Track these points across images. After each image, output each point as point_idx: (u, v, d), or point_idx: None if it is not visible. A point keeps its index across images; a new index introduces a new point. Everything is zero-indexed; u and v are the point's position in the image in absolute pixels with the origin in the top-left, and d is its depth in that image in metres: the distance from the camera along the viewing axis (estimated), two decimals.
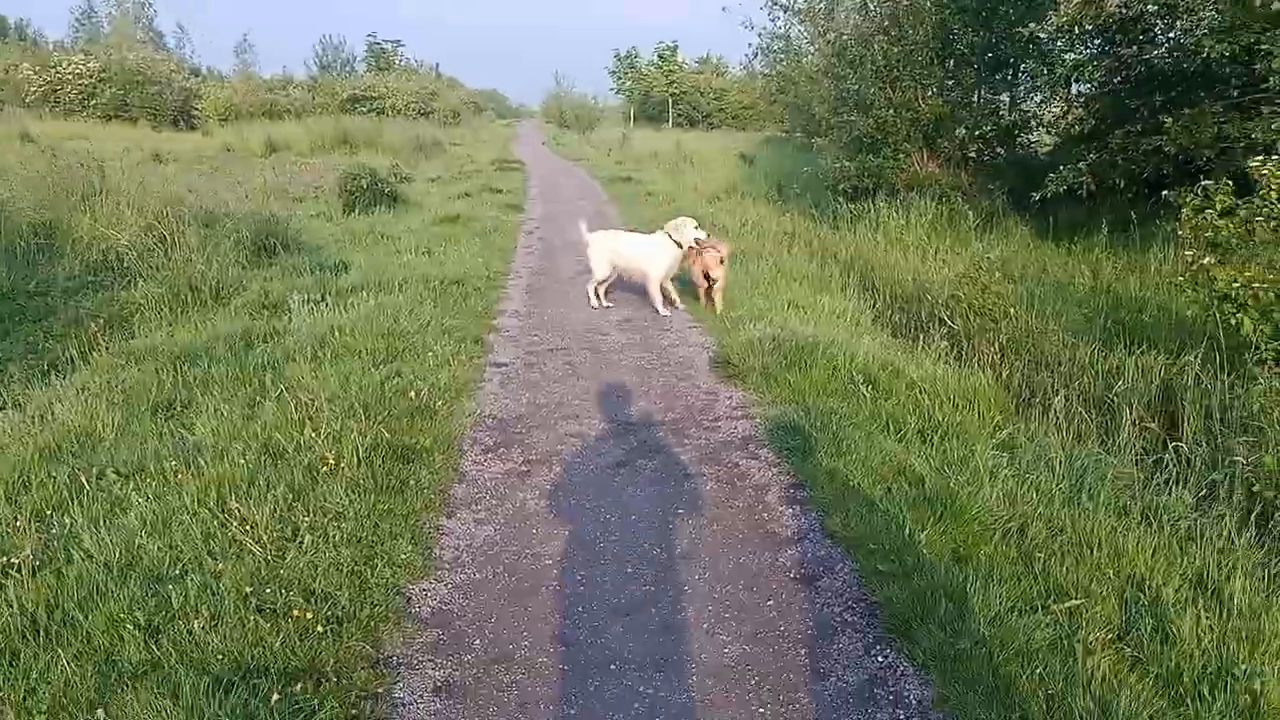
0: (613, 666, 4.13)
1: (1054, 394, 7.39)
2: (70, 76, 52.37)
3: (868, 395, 7.17)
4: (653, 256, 10.53)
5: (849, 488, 5.65)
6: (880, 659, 4.15)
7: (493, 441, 6.68)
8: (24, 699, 3.69)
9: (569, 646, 4.28)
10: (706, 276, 10.19)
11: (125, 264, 11.74)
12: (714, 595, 4.70)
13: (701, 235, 10.31)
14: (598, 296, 11.02)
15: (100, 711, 3.33)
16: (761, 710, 3.84)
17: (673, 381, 8.00)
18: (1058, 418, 6.95)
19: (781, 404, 7.23)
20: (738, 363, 8.19)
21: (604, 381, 8.03)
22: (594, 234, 11.03)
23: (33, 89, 51.51)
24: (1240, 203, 7.91)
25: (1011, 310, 9.19)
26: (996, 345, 8.77)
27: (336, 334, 8.68)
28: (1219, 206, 7.95)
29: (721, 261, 10.09)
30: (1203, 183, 8.26)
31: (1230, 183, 8.10)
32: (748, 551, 5.12)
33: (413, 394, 7.20)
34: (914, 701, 3.86)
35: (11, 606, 4.26)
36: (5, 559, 4.64)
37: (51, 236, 12.60)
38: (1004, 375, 8.18)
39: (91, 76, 52.58)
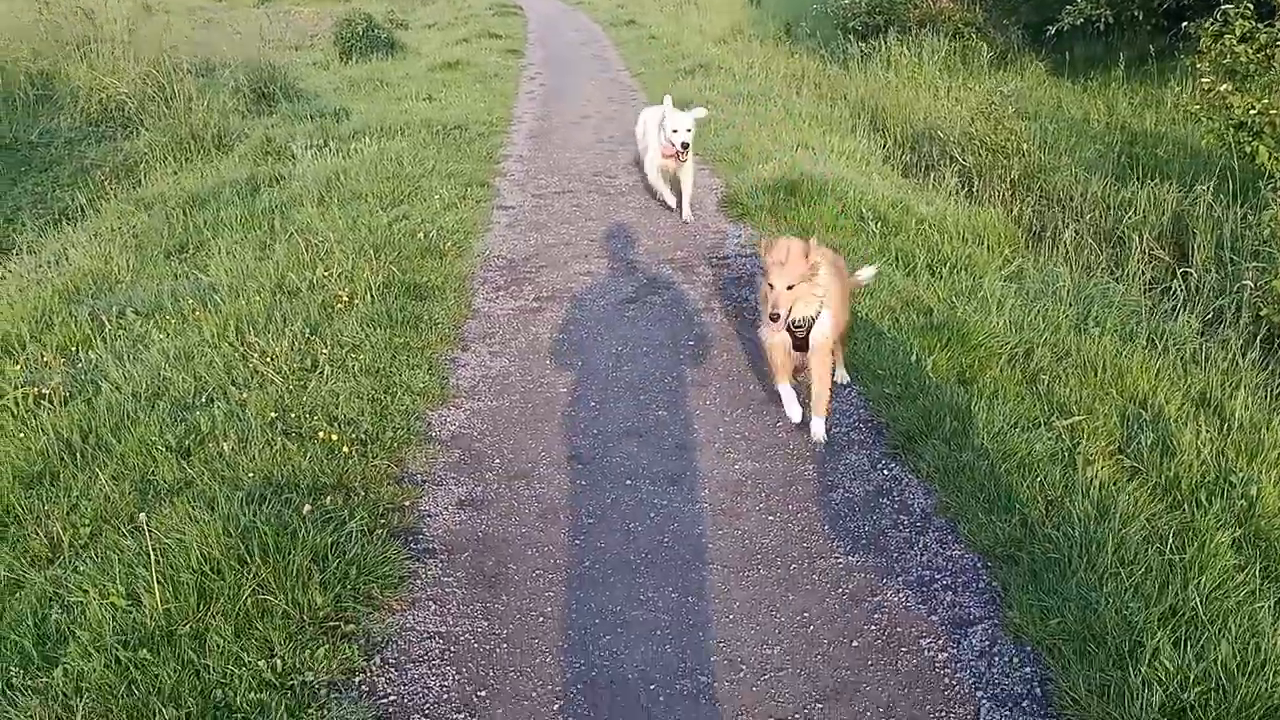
0: (628, 481, 4.29)
1: (1064, 228, 7.37)
2: None
3: (877, 231, 7.16)
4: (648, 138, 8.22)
5: (857, 318, 5.70)
6: (886, 472, 4.30)
7: (503, 280, 6.74)
8: (68, 514, 3.87)
9: (585, 464, 4.43)
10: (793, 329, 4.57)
11: (126, 114, 11.57)
12: (725, 419, 4.83)
13: (689, 122, 7.63)
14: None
15: (142, 515, 3.49)
16: (771, 518, 4.01)
17: (681, 222, 7.98)
18: (1067, 250, 6.96)
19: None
20: (746, 202, 8.15)
21: (613, 222, 8.02)
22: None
23: None
24: (1260, 26, 7.70)
25: (1024, 146, 9.06)
26: (1008, 181, 8.70)
27: (341, 178, 8.63)
28: (1238, 32, 7.74)
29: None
30: (1222, 6, 8.01)
31: (1250, 6, 7.85)
32: (757, 379, 5.23)
33: (421, 236, 7.21)
34: (918, 509, 4.02)
35: (48, 432, 4.41)
36: (36, 389, 4.77)
37: (50, 87, 12.41)
38: (1014, 211, 8.14)
39: None
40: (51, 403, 4.70)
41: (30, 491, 4.05)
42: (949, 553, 3.74)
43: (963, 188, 8.71)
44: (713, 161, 9.65)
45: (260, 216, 7.69)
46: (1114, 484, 3.96)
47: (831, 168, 8.73)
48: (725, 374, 5.29)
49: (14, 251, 7.35)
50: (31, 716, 2.83)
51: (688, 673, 3.19)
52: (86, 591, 3.35)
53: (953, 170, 9.00)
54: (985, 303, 5.75)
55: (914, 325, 5.54)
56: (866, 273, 5.50)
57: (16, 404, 4.68)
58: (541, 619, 3.46)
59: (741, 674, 3.18)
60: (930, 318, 5.62)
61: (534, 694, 3.12)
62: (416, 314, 5.87)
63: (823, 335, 4.43)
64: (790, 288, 4.20)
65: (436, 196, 8.32)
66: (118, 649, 3.08)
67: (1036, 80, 13.48)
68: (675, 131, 7.57)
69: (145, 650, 3.08)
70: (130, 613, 3.24)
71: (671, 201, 8.27)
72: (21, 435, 4.44)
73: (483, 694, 3.11)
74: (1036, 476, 4.00)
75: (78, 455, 4.28)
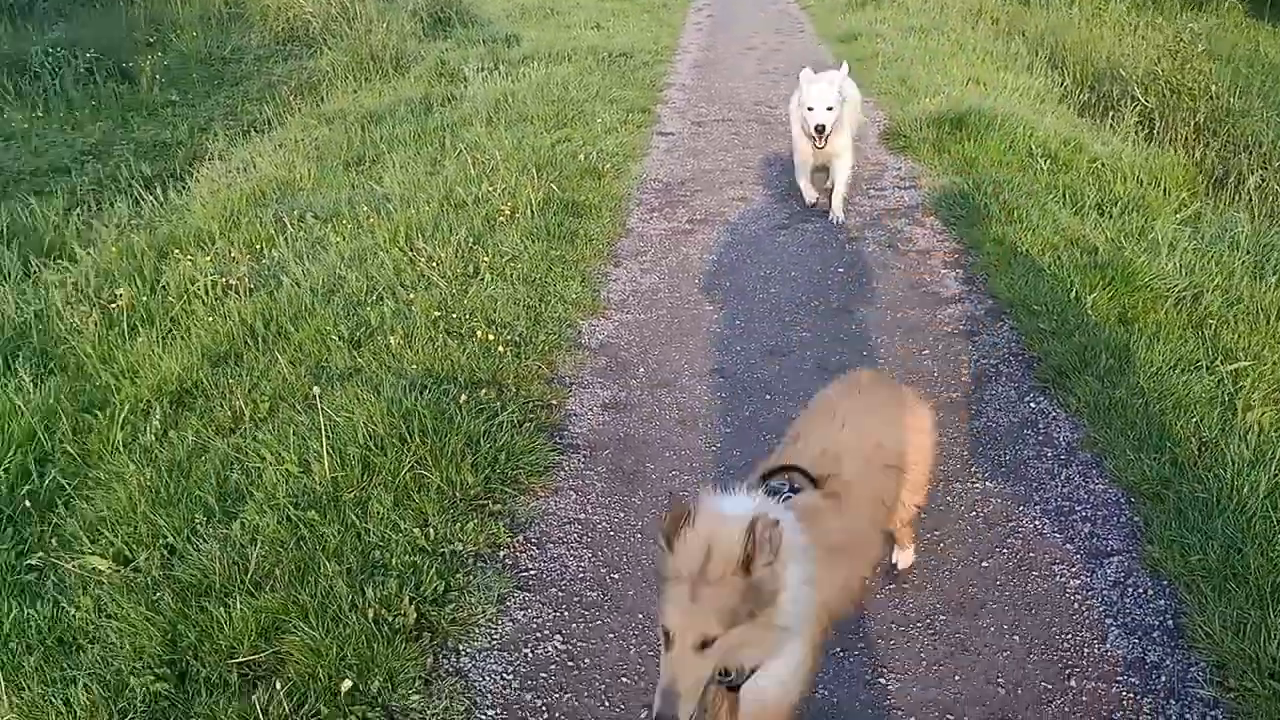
0: (766, 396, 4.37)
1: (1249, 174, 6.94)
2: None
3: (1045, 168, 6.90)
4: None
5: (1017, 253, 5.57)
6: (1033, 405, 4.23)
7: (658, 202, 6.84)
8: (249, 391, 4.23)
9: (726, 378, 4.53)
10: None
11: (310, 34, 12.16)
12: (868, 343, 4.83)
13: (829, 95, 5.84)
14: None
15: (315, 389, 3.80)
16: None
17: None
18: (1250, 198, 6.57)
19: (952, 175, 7.05)
20: (909, 134, 7.97)
21: (770, 151, 7.98)
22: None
23: None
24: None
25: (1213, 88, 8.50)
26: (1192, 125, 8.22)
27: (509, 101, 8.89)
28: None
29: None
30: None
31: None
32: (906, 308, 5.19)
33: (581, 157, 7.38)
34: (1062, 443, 3.95)
35: (233, 319, 4.81)
36: (224, 280, 5.19)
37: (241, 5, 13.13)
38: (1196, 155, 7.69)
39: None
40: (238, 293, 5.10)
41: (216, 369, 4.44)
42: (1091, 486, 3.68)
43: (1142, 129, 8.27)
44: (877, 94, 9.43)
45: (432, 134, 8.03)
46: (1274, 430, 3.79)
47: (1002, 103, 8.42)
48: (871, 303, 5.27)
49: (207, 158, 7.90)
50: (213, 560, 3.16)
51: None
52: (264, 458, 3.68)
53: (1133, 111, 8.52)
54: (1155, 245, 5.50)
55: (1076, 263, 5.36)
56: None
57: (206, 292, 5.11)
58: None
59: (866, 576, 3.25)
60: (1095, 256, 5.42)
61: None
62: (573, 230, 6.05)
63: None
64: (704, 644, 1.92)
65: (599, 121, 8.47)
66: (289, 509, 3.39)
67: (1234, 21, 12.54)
68: (810, 109, 5.88)
69: (313, 512, 3.38)
70: (301, 479, 3.55)
71: (810, 196, 6.48)
72: (210, 320, 4.85)
73: (615, 576, 3.28)
74: (1192, 418, 3.86)
75: (259, 340, 4.65)
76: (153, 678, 2.73)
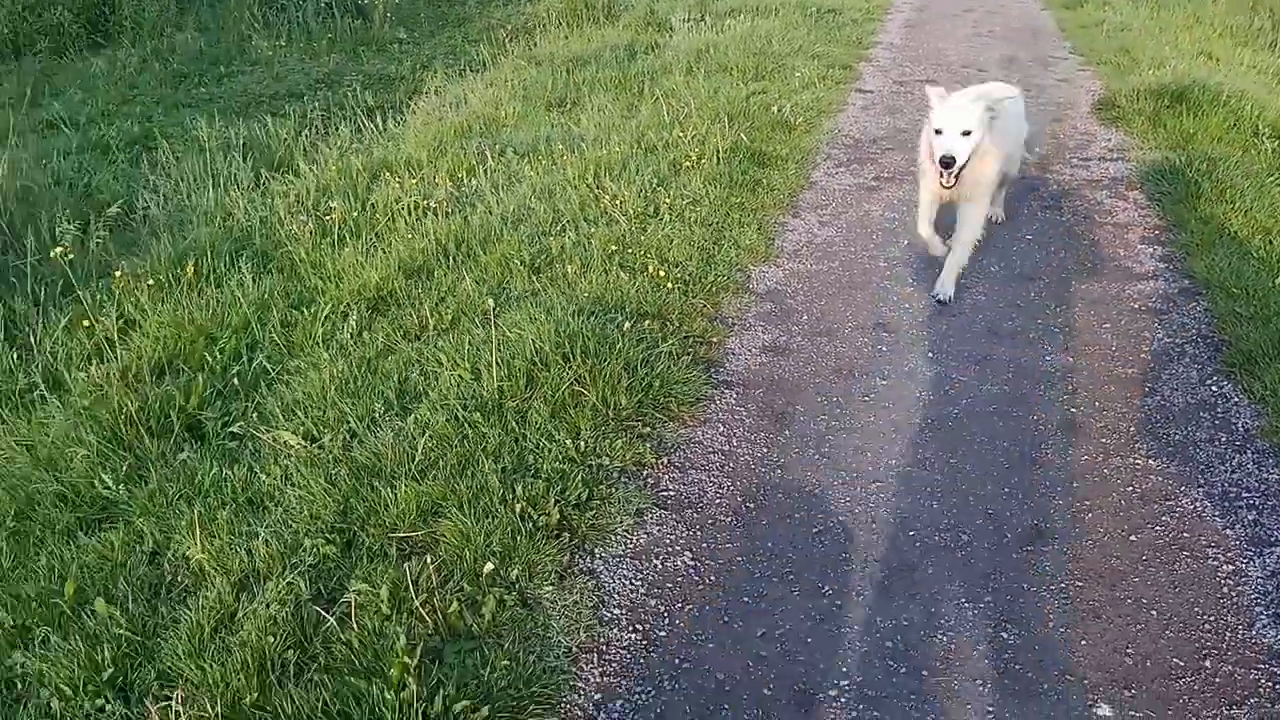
0: (930, 355, 4.34)
1: None
2: None
3: (1271, 149, 6.41)
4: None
5: (1224, 234, 5.24)
6: (1214, 388, 4.03)
7: (846, 158, 6.80)
8: (435, 303, 4.55)
9: (889, 333, 4.52)
10: None
11: None
12: (1046, 312, 4.69)
13: (966, 118, 4.37)
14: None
15: (489, 301, 4.07)
16: (1074, 410, 3.91)
17: (1048, 120, 7.55)
18: None
19: (1165, 150, 6.65)
20: (1124, 105, 7.55)
21: None
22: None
23: None
24: None
25: None
26: None
27: (711, 52, 8.98)
28: None
29: None
30: None
31: None
32: (1093, 281, 5.00)
33: (775, 110, 7.40)
34: (1240, 429, 3.75)
35: (429, 237, 5.16)
36: (426, 202, 5.57)
37: None
38: None
39: None
40: (436, 215, 5.46)
41: (410, 281, 4.79)
42: (1265, 475, 3.49)
43: None
44: (1095, 64, 8.94)
45: (632, 80, 8.22)
46: None
47: (1233, 79, 7.82)
48: (1056, 273, 5.10)
49: (425, 92, 8.40)
50: (386, 446, 3.46)
51: (949, 527, 3.29)
52: (441, 364, 3.98)
53: None
54: None
55: None
56: None
57: (409, 212, 5.49)
58: (818, 458, 3.66)
59: (1005, 539, 3.23)
60: None
61: (798, 516, 3.36)
62: (756, 179, 6.11)
63: None
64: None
65: (797, 75, 8.44)
66: (458, 409, 3.66)
67: None
68: (939, 132, 4.42)
69: (478, 414, 3.64)
70: (471, 385, 3.82)
71: (937, 248, 4.92)
72: (409, 237, 5.22)
73: (751, 506, 3.39)
74: None
75: (450, 259, 4.98)
76: (324, 540, 3.05)
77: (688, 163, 6.21)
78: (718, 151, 6.36)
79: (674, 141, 6.57)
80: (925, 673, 2.72)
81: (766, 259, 5.23)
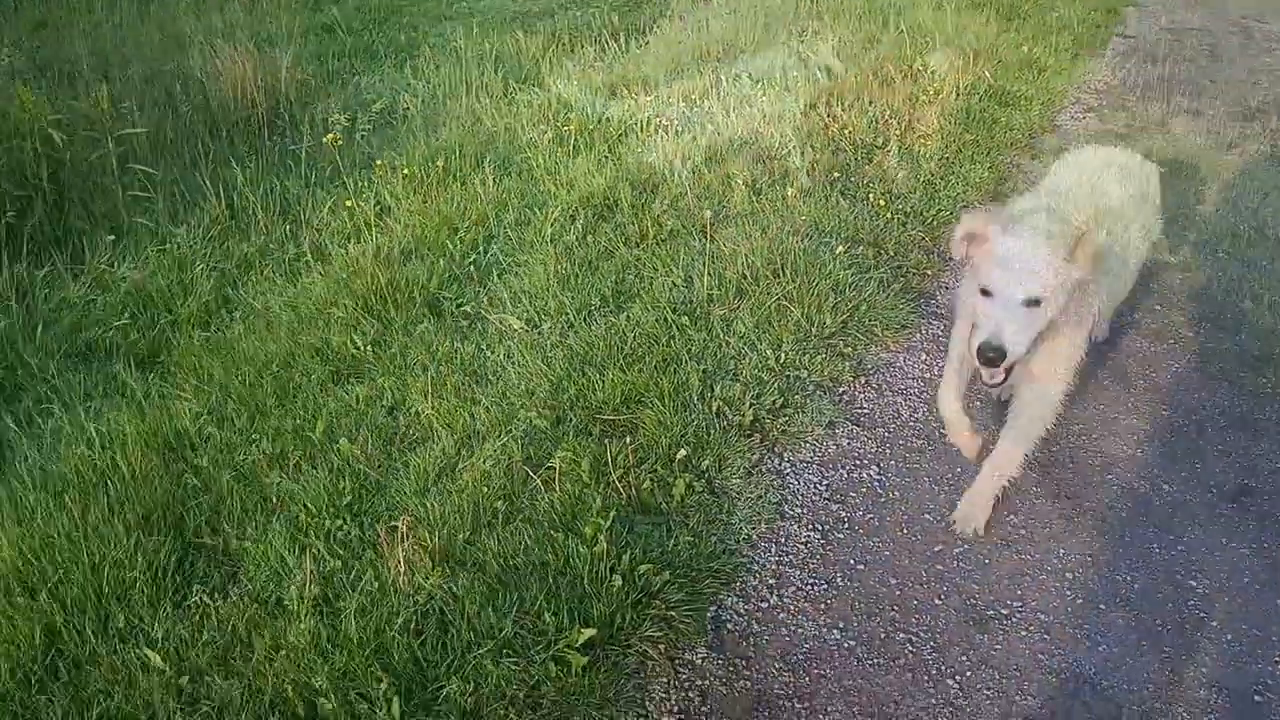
0: (1156, 308, 4.16)
1: None
2: None
3: None
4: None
5: None
6: None
7: (1096, 103, 6.47)
8: (658, 215, 4.74)
9: None
10: None
11: None
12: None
13: (1041, 280, 2.51)
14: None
15: (709, 213, 4.23)
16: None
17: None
18: None
19: None
20: None
21: (1247, 67, 7.14)
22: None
23: None
24: None
25: None
26: None
27: None
28: None
29: None
30: None
31: None
32: None
33: (1025, 49, 7.10)
34: None
35: (658, 153, 5.35)
36: (659, 118, 5.76)
37: None
38: None
39: None
40: (667, 132, 5.65)
41: (635, 193, 4.98)
42: None
43: None
44: None
45: (878, 12, 8.06)
46: None
47: None
48: None
49: (670, 17, 8.56)
50: (599, 337, 3.71)
51: (1148, 476, 3.22)
52: (656, 270, 4.19)
53: None
54: None
55: None
56: None
57: (641, 128, 5.70)
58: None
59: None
60: None
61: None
62: (994, 117, 5.94)
63: None
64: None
65: (1055, 15, 8.02)
66: (667, 312, 3.86)
67: None
68: (988, 295, 2.59)
69: (686, 318, 3.83)
70: (683, 290, 4.02)
71: (964, 440, 3.16)
72: (639, 151, 5.43)
73: (944, 432, 3.42)
74: None
75: (675, 175, 5.15)
76: (536, 414, 3.34)
77: (925, 96, 6.09)
78: (957, 87, 6.20)
79: (913, 74, 6.45)
80: (1103, 606, 2.72)
81: (994, 197, 5.11)
